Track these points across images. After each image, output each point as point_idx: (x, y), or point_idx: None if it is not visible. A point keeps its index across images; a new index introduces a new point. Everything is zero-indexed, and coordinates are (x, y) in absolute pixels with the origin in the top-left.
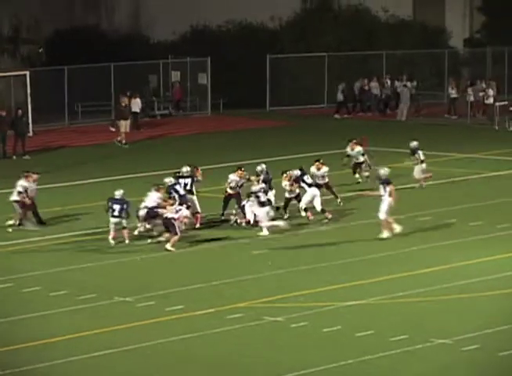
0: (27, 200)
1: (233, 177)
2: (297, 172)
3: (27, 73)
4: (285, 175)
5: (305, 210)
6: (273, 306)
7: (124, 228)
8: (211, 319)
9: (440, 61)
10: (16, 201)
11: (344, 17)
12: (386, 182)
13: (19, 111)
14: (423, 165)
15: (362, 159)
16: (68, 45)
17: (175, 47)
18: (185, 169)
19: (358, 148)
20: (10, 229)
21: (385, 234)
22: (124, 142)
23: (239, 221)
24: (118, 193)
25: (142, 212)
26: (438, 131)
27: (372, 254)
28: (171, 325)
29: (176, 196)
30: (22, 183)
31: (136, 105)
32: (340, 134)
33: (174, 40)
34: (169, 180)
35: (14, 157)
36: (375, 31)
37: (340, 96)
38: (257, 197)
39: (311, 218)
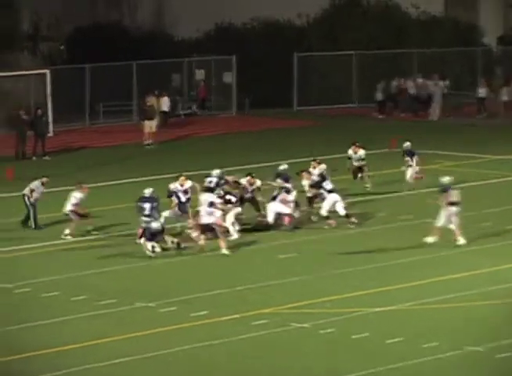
0: (83, 212)
1: (243, 182)
2: (316, 177)
3: (48, 71)
4: (304, 173)
5: (327, 218)
6: (299, 312)
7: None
8: (236, 325)
9: (472, 59)
10: (71, 211)
11: (373, 13)
12: (446, 189)
13: (39, 111)
14: (416, 168)
15: (362, 163)
16: (89, 43)
17: (199, 45)
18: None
19: (361, 151)
20: (69, 237)
21: (431, 239)
22: (149, 142)
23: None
24: (148, 192)
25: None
26: (469, 131)
27: (400, 259)
28: (195, 331)
29: (176, 201)
30: (76, 195)
31: (165, 104)
32: (369, 134)
33: (198, 38)
34: (174, 186)
35: (34, 158)
36: (405, 28)
37: (379, 95)
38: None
39: (335, 225)
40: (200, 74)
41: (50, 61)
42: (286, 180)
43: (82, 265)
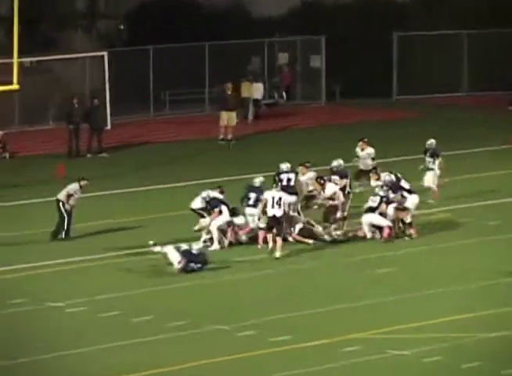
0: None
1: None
2: (392, 177)
3: (105, 54)
4: (371, 174)
5: (410, 224)
6: (397, 337)
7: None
8: (323, 352)
9: None
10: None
11: None
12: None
13: (96, 100)
14: (437, 171)
15: (370, 163)
16: (154, 21)
17: (283, 24)
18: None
19: (370, 149)
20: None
21: None
22: (227, 137)
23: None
24: (258, 181)
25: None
26: None
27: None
28: (277, 358)
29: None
30: (210, 193)
31: (258, 91)
32: (482, 128)
33: (281, 15)
34: (206, 195)
35: (88, 155)
36: None
37: None
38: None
39: (415, 236)
40: (283, 58)
41: (108, 42)
42: (345, 177)
43: (135, 282)
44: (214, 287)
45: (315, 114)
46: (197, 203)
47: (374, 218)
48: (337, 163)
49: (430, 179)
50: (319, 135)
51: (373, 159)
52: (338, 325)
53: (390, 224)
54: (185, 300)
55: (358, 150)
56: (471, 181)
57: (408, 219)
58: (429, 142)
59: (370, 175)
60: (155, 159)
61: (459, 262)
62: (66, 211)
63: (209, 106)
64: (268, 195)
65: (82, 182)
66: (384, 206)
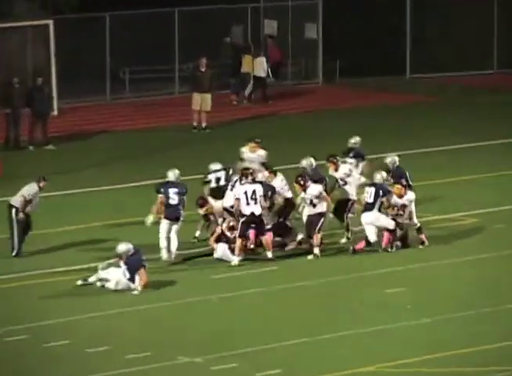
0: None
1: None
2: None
3: (51, 22)
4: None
5: (419, 231)
6: (417, 371)
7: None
8: None
9: None
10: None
11: None
12: None
13: (39, 79)
14: (361, 178)
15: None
16: None
17: None
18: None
19: (261, 152)
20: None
21: None
22: (200, 125)
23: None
24: (173, 174)
25: None
26: None
27: None
28: None
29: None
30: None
31: (261, 66)
32: None
33: None
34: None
35: (31, 148)
36: None
37: None
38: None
39: (426, 243)
40: (270, 27)
41: (54, 9)
42: (361, 157)
43: (86, 304)
44: (183, 309)
45: (309, 97)
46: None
47: (373, 217)
48: (354, 140)
49: (352, 188)
50: (313, 124)
51: (264, 165)
52: (338, 356)
53: (390, 227)
54: (149, 326)
55: (244, 150)
56: (505, 180)
57: (413, 222)
58: (353, 140)
59: (327, 164)
60: (113, 152)
61: (487, 279)
62: (18, 220)
63: (179, 86)
64: (239, 190)
65: (42, 183)
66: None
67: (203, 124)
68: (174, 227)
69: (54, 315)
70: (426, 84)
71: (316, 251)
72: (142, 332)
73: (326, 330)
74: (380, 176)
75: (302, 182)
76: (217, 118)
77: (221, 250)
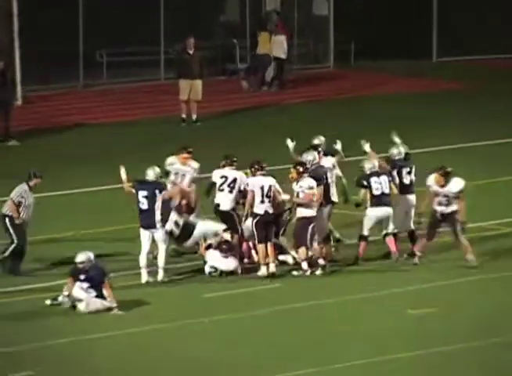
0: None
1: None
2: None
3: None
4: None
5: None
6: None
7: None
8: None
9: None
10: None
11: None
12: None
13: (1, 63)
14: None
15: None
16: None
17: None
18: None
19: (194, 164)
20: None
21: None
22: (189, 117)
23: None
24: (151, 173)
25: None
26: None
27: None
28: None
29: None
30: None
31: (280, 46)
32: None
33: None
34: None
35: None
36: None
37: None
38: None
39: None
40: (272, 2)
41: None
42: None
43: (49, 328)
44: (170, 334)
45: (318, 83)
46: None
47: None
48: (318, 141)
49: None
50: (322, 115)
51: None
52: None
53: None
54: (129, 354)
55: (173, 160)
56: None
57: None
58: (316, 141)
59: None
60: (87, 149)
61: None
62: (16, 230)
63: (164, 71)
64: (255, 183)
65: (32, 182)
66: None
67: (193, 116)
68: (156, 236)
69: (19, 340)
70: (454, 69)
71: (321, 262)
72: (120, 361)
73: (337, 358)
74: (372, 164)
75: (301, 170)
76: (208, 109)
77: (212, 257)
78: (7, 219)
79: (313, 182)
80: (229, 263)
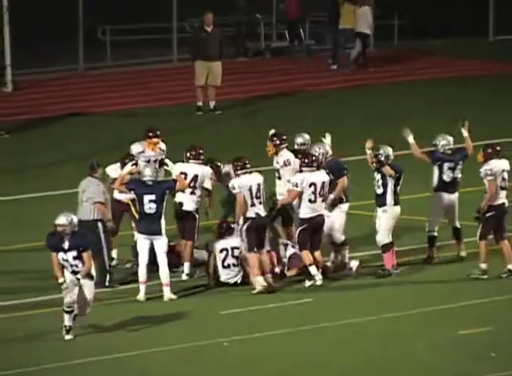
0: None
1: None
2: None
3: None
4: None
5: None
6: None
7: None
8: None
9: None
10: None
11: None
12: None
13: None
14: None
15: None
16: None
17: None
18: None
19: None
20: None
21: None
22: (207, 105)
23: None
24: (149, 173)
25: None
26: None
27: None
28: None
29: None
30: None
31: (365, 20)
32: None
33: None
34: None
35: None
36: None
37: None
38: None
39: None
40: None
41: None
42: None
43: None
44: (181, 358)
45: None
46: None
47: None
48: (301, 140)
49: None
50: (356, 102)
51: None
52: None
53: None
54: None
55: (138, 147)
56: None
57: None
58: (301, 139)
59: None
60: (87, 141)
61: None
62: (107, 234)
63: (178, 52)
64: (241, 185)
65: (97, 173)
66: None
67: (211, 104)
68: (157, 245)
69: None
70: None
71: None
72: None
73: None
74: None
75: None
76: (228, 95)
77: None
78: (99, 224)
79: (291, 157)
80: None
